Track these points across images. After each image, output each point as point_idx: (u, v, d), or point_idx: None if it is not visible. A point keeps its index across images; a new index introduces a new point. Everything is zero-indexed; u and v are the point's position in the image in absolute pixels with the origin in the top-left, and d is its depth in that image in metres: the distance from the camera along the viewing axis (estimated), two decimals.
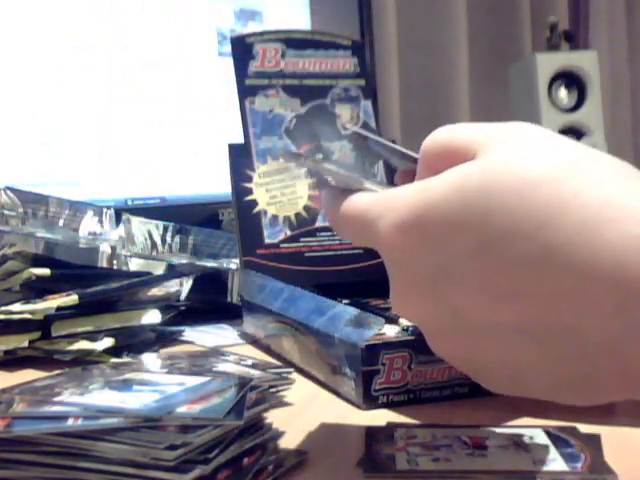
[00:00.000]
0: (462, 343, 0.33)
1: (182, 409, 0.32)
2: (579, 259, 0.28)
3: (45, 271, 0.61)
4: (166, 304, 0.66)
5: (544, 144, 0.31)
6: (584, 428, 0.39)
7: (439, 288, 0.32)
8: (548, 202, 0.29)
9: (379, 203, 0.34)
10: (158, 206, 0.91)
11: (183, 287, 0.69)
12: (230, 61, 0.71)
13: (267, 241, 0.66)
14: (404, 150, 0.39)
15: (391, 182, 0.70)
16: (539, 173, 0.29)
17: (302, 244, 0.67)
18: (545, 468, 0.34)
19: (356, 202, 0.35)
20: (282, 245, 0.66)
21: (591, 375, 0.30)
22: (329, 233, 0.68)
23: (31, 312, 0.58)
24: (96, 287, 0.62)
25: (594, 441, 0.37)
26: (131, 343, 0.60)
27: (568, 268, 0.28)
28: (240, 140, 0.69)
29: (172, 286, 0.68)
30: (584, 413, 0.42)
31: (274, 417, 0.36)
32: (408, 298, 0.34)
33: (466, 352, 0.33)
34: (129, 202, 0.90)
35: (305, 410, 0.45)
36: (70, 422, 0.31)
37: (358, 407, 0.45)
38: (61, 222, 0.74)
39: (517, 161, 0.30)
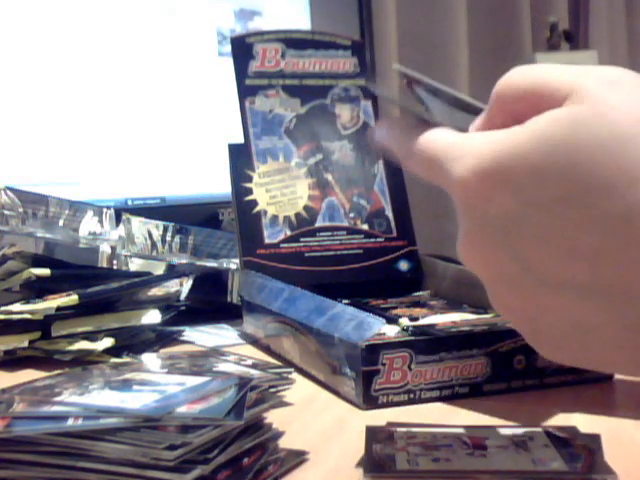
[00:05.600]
0: (526, 298, 0.31)
1: (182, 409, 0.32)
2: None
3: (45, 271, 0.61)
4: (166, 304, 0.66)
5: (637, 95, 0.29)
6: (584, 428, 0.39)
7: (511, 238, 0.30)
8: (639, 159, 0.27)
9: (461, 145, 0.32)
10: (158, 206, 0.91)
11: (183, 287, 0.69)
12: (230, 61, 0.71)
13: (267, 241, 0.66)
14: (469, 99, 0.35)
15: (392, 178, 0.70)
16: (630, 128, 0.28)
17: (302, 244, 0.67)
18: (545, 468, 0.34)
19: (436, 138, 0.34)
20: (282, 245, 0.66)
21: None
22: (329, 233, 0.68)
23: (31, 312, 0.58)
24: (96, 287, 0.62)
25: (594, 441, 0.37)
26: (131, 343, 0.60)
27: None
28: (240, 140, 0.69)
29: (172, 286, 0.68)
30: (584, 412, 0.42)
31: (274, 417, 0.36)
32: (477, 245, 0.32)
33: (528, 309, 0.32)
34: (129, 202, 0.90)
35: (305, 410, 0.45)
36: (70, 422, 0.31)
37: (358, 407, 0.45)
38: (61, 222, 0.74)
39: (608, 113, 0.28)
